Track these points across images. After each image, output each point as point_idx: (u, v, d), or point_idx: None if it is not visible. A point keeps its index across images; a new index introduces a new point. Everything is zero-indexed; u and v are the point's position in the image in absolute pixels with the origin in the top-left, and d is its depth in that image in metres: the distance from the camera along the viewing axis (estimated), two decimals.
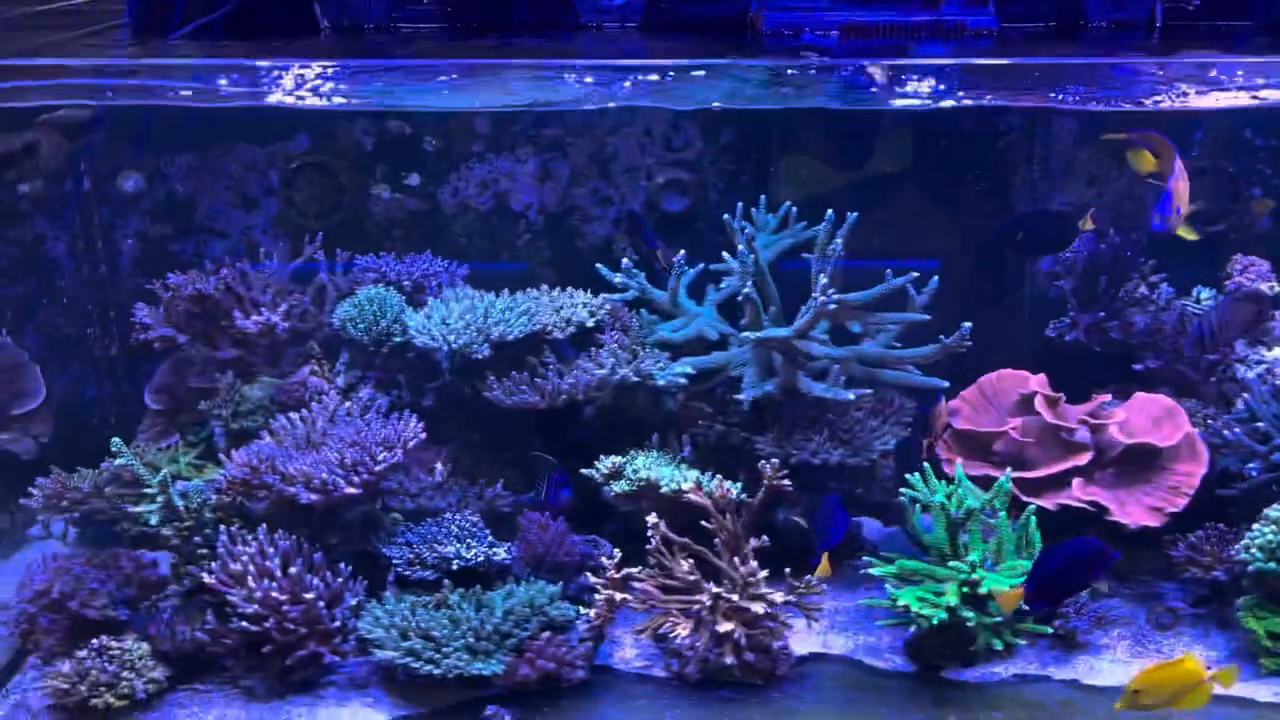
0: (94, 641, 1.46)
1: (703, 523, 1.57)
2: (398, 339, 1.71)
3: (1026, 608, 1.46)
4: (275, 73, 1.67)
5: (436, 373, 1.76)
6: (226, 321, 1.70)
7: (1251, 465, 1.61)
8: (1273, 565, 1.52)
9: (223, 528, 1.50)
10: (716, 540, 1.58)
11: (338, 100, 1.74)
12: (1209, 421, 1.69)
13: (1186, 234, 1.59)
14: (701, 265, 1.77)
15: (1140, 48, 1.88)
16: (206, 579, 1.46)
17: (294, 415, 1.59)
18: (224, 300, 1.69)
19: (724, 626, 1.50)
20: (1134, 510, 1.62)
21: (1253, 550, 1.53)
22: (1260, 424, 1.64)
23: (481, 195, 1.90)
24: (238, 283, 1.69)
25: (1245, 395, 1.67)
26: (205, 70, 1.66)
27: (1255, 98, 1.64)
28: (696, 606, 1.53)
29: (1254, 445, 1.62)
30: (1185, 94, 1.69)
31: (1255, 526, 1.54)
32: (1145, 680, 1.36)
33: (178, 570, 1.53)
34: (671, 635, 1.54)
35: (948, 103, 1.80)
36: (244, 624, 1.44)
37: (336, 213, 1.88)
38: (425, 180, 1.91)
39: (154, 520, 1.51)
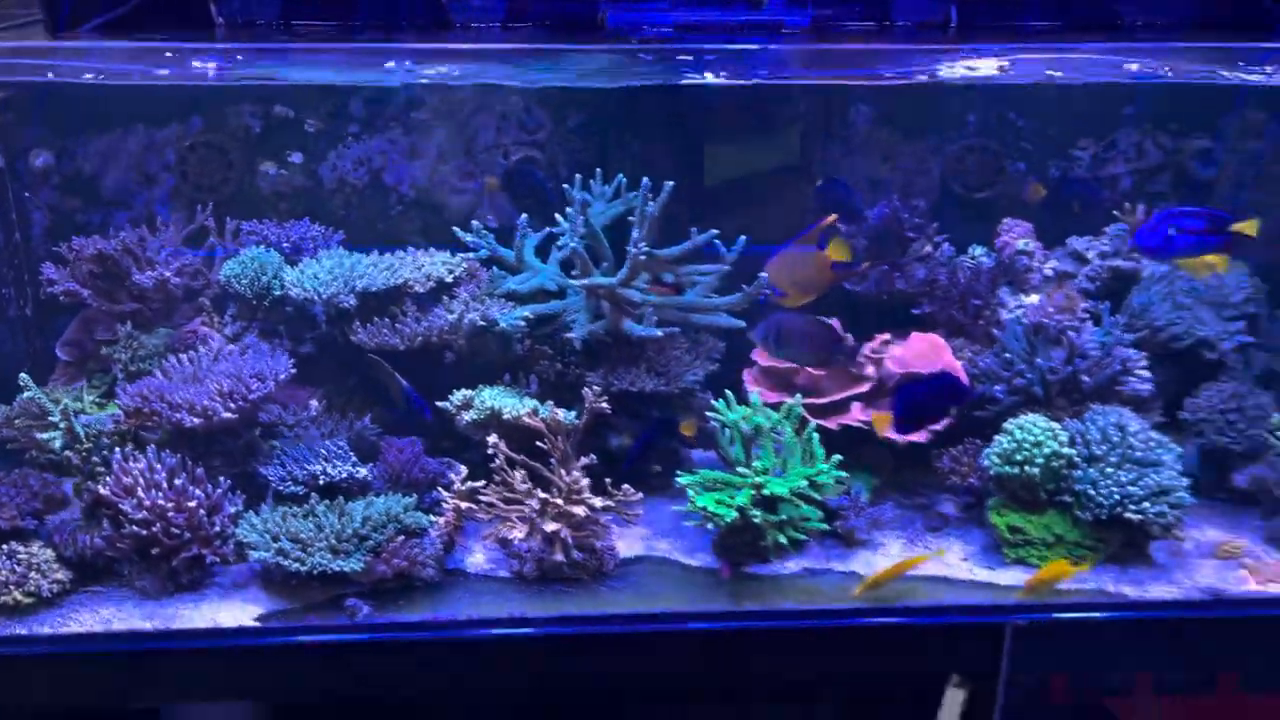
0: (3, 547, 1.70)
1: (538, 443, 1.85)
2: (277, 293, 1.97)
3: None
4: (171, 55, 1.90)
5: (314, 324, 2.02)
6: (125, 279, 1.94)
7: (998, 388, 1.92)
8: (1008, 468, 1.83)
9: (117, 449, 1.74)
10: (552, 459, 1.85)
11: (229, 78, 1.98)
12: (974, 357, 2.00)
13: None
14: (546, 230, 2.05)
15: (936, 41, 2.18)
16: (102, 491, 1.70)
17: (182, 356, 1.84)
18: (123, 260, 1.93)
19: (550, 526, 1.78)
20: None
21: (993, 457, 1.85)
22: (1008, 355, 1.95)
23: (357, 171, 2.16)
24: (135, 244, 1.94)
25: (999, 333, 1.98)
26: (110, 53, 1.89)
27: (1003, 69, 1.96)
28: (529, 511, 1.80)
29: (1001, 372, 1.93)
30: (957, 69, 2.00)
31: (996, 438, 1.85)
32: (885, 575, 1.74)
33: (79, 488, 1.77)
34: (510, 538, 1.82)
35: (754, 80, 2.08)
36: (135, 529, 1.69)
37: (226, 186, 2.13)
38: (308, 159, 2.16)
39: (58, 444, 1.75)
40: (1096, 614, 1.80)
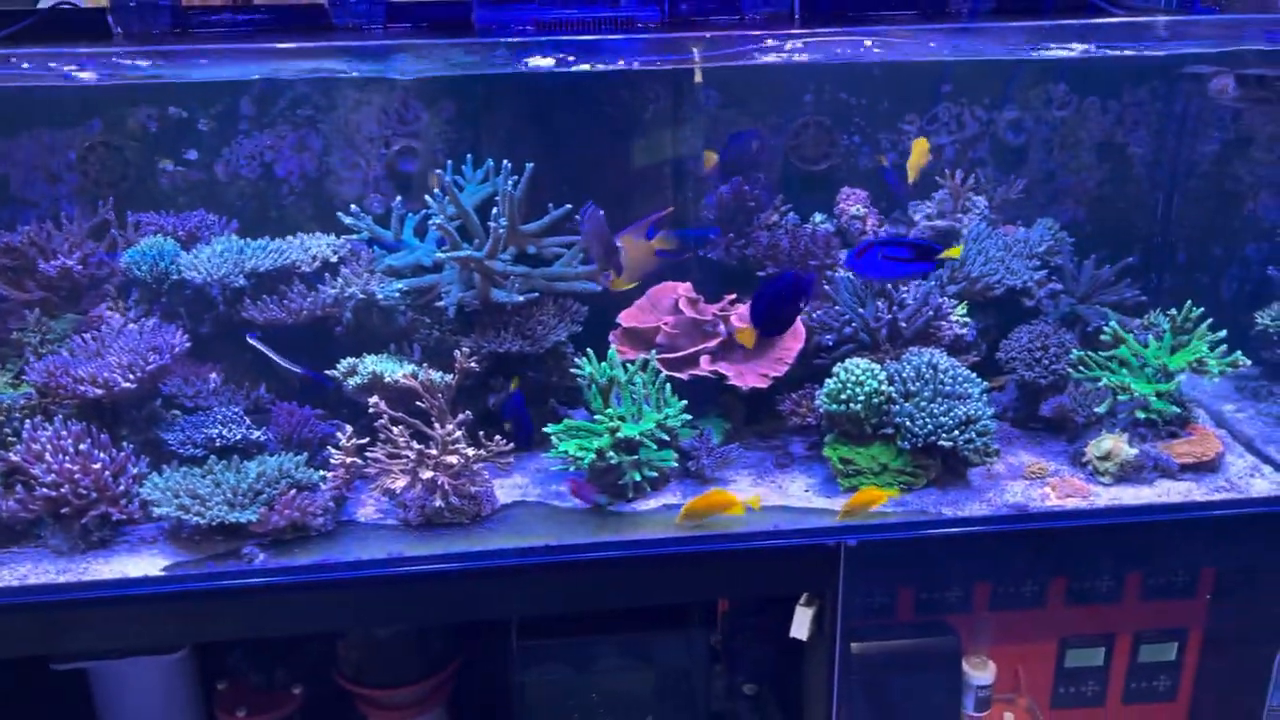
0: None
1: (418, 403, 2.04)
2: (175, 277, 2.15)
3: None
4: (71, 60, 2.06)
5: (212, 305, 2.20)
6: (33, 269, 2.12)
7: (828, 337, 2.16)
8: (835, 406, 2.05)
9: (28, 420, 1.92)
10: (432, 417, 2.05)
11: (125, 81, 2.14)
12: (809, 310, 2.22)
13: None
14: (424, 211, 2.25)
15: (781, 28, 2.40)
16: (13, 458, 1.87)
17: (86, 335, 2.02)
18: (29, 251, 2.11)
19: (426, 474, 1.97)
20: (748, 377, 2.14)
21: (823, 397, 2.07)
22: (839, 307, 2.18)
23: (250, 165, 2.35)
24: (41, 237, 2.11)
25: (830, 288, 2.22)
26: (12, 61, 2.04)
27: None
28: (410, 463, 2.00)
29: (832, 323, 2.16)
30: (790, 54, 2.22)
31: (826, 380, 2.08)
32: (693, 505, 1.95)
33: None
34: (394, 488, 2.01)
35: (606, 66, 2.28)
36: (45, 491, 1.86)
37: (124, 182, 2.31)
38: (202, 155, 2.34)
39: None
40: (921, 532, 2.03)
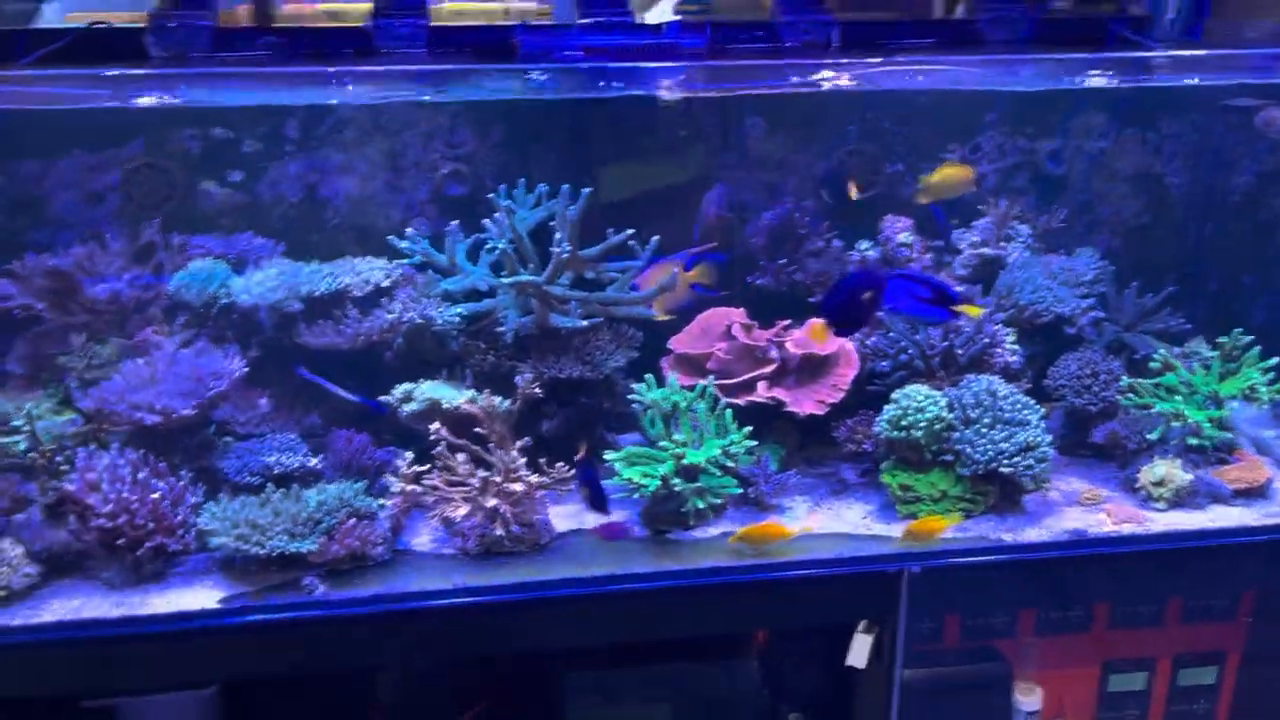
0: None
1: (476, 429, 2.02)
2: (224, 301, 2.11)
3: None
4: (115, 82, 2.01)
5: (260, 329, 2.16)
6: (78, 292, 2.06)
7: (884, 364, 2.17)
8: (896, 433, 2.06)
9: (80, 449, 1.86)
10: (490, 443, 2.02)
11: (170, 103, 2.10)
12: (863, 338, 2.23)
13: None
14: (475, 236, 2.23)
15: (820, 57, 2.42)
16: (68, 488, 1.81)
17: (139, 360, 1.97)
18: (76, 274, 2.05)
19: (490, 502, 1.95)
20: (804, 403, 2.14)
21: (883, 424, 2.08)
22: (893, 334, 2.20)
23: (295, 187, 2.32)
24: (86, 260, 2.06)
25: (884, 315, 2.23)
26: (54, 81, 2.00)
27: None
28: (472, 491, 1.97)
29: (887, 350, 2.18)
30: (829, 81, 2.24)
31: (885, 407, 2.09)
32: (745, 532, 1.96)
33: (43, 487, 1.88)
34: (454, 517, 1.98)
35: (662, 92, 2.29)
36: (101, 522, 1.80)
37: (169, 204, 2.26)
38: (247, 177, 2.31)
39: (21, 447, 1.86)
40: (982, 558, 2.03)
